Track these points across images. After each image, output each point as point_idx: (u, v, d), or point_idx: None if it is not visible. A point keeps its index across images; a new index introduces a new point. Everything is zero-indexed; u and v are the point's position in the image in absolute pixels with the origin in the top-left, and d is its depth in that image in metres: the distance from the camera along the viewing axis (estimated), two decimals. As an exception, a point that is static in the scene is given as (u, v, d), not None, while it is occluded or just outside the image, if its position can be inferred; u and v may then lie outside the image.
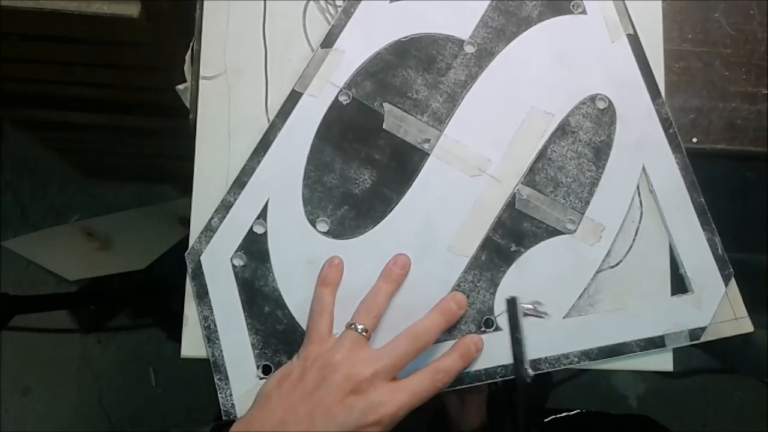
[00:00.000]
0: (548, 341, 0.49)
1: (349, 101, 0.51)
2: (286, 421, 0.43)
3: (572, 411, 0.67)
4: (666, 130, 0.51)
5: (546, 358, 0.49)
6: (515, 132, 0.51)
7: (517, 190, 0.51)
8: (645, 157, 0.51)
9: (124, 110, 0.88)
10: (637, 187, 0.51)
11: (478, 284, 0.50)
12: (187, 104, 0.52)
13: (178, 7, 0.57)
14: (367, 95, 0.51)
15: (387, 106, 0.51)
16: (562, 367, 0.49)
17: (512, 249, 0.50)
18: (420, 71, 0.52)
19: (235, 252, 0.50)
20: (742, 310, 0.51)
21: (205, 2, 0.53)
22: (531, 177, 0.51)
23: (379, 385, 0.44)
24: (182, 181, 0.56)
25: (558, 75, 0.52)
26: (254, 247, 0.50)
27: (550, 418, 0.66)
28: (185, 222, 0.51)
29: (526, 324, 0.49)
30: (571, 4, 0.53)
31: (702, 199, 0.51)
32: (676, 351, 0.50)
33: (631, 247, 0.51)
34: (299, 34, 0.53)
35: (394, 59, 0.52)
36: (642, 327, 0.50)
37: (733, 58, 0.55)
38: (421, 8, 0.52)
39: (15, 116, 0.98)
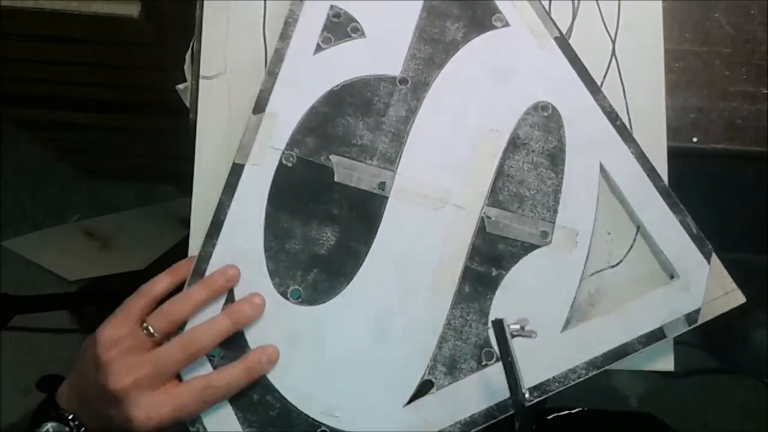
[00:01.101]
0: (552, 360, 0.48)
1: (294, 162, 0.50)
2: (83, 399, 0.46)
3: (573, 409, 0.67)
4: (613, 122, 0.51)
5: (554, 377, 0.48)
6: (468, 156, 0.51)
7: (484, 213, 0.50)
8: (600, 153, 0.51)
9: (124, 110, 0.88)
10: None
11: (468, 318, 0.49)
12: (188, 104, 0.52)
13: (178, 7, 0.57)
14: (312, 152, 0.50)
15: (334, 158, 0.50)
16: (572, 383, 0.48)
17: (493, 274, 0.50)
18: (359, 116, 0.51)
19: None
20: (730, 284, 0.50)
21: (205, 2, 0.53)
22: (494, 197, 0.51)
23: (138, 392, 0.43)
24: (182, 181, 0.56)
25: (496, 91, 0.52)
26: (227, 338, 0.47)
27: (552, 416, 0.66)
28: (185, 222, 0.51)
29: (527, 349, 0.48)
30: (493, 18, 0.52)
31: (665, 183, 0.51)
32: (676, 351, 0.50)
33: (631, 246, 0.51)
34: (299, 33, 0.53)
35: (331, 110, 0.51)
36: (639, 324, 0.49)
37: (733, 58, 0.55)
38: (345, 54, 0.52)
39: (15, 116, 0.98)
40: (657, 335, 0.49)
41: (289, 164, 0.50)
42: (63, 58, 0.72)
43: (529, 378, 0.47)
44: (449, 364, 0.49)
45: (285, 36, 0.51)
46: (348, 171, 0.50)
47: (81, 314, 1.33)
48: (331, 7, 0.52)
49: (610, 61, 0.53)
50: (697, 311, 0.49)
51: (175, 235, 1.26)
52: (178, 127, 0.55)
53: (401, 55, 0.52)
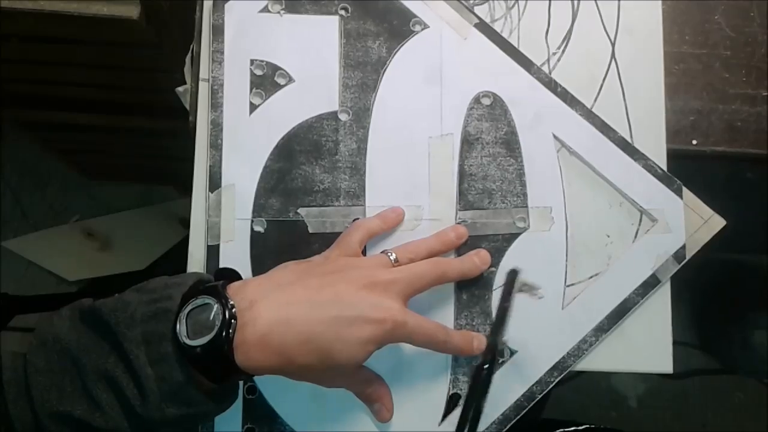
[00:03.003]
0: (561, 337, 0.50)
1: (266, 226, 0.50)
2: (295, 283, 0.42)
3: (581, 426, 0.66)
4: (554, 91, 0.52)
5: (568, 353, 0.49)
6: (427, 168, 0.51)
7: (459, 219, 0.51)
8: (550, 125, 0.52)
9: (124, 111, 0.88)
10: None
11: (474, 323, 0.50)
12: (187, 106, 0.52)
13: (178, 8, 0.57)
14: (279, 211, 0.50)
15: (302, 210, 0.50)
16: (586, 353, 0.49)
17: (485, 274, 0.50)
18: (313, 162, 0.51)
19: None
20: (707, 211, 0.51)
21: (205, 2, 0.53)
22: (464, 200, 0.51)
23: (393, 294, 0.43)
24: (182, 182, 0.56)
25: (434, 95, 0.52)
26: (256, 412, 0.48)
27: (558, 431, 0.65)
28: (185, 222, 0.51)
29: (537, 333, 0.49)
30: (411, 24, 0.52)
31: (619, 134, 0.52)
32: (676, 351, 0.50)
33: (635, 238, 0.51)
34: (299, 35, 0.53)
35: (284, 164, 0.50)
36: (631, 277, 0.50)
37: (733, 60, 0.55)
38: (280, 105, 0.51)
39: (15, 117, 0.97)
40: (651, 283, 0.50)
41: (262, 230, 0.50)
42: (63, 59, 0.72)
43: (546, 360, 0.49)
44: (469, 371, 0.49)
45: (216, 105, 0.50)
46: (319, 219, 0.50)
47: (81, 314, 1.33)
48: (251, 61, 0.51)
49: (610, 63, 0.53)
50: (683, 247, 0.51)
51: (175, 235, 1.26)
52: (178, 128, 0.55)
53: (334, 88, 0.51)
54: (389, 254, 0.46)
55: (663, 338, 0.50)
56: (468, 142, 0.51)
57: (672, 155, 0.53)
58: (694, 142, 0.54)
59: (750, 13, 0.55)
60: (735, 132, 0.54)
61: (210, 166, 0.50)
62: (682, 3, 0.55)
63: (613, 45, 0.54)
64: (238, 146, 0.50)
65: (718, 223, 0.51)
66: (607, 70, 0.53)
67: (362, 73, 0.52)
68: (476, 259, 0.49)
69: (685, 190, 0.51)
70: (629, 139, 0.52)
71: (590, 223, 0.51)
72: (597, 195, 0.52)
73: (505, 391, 0.49)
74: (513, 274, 0.48)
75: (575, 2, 0.54)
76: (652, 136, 0.53)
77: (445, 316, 0.50)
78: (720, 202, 0.52)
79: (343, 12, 0.52)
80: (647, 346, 0.50)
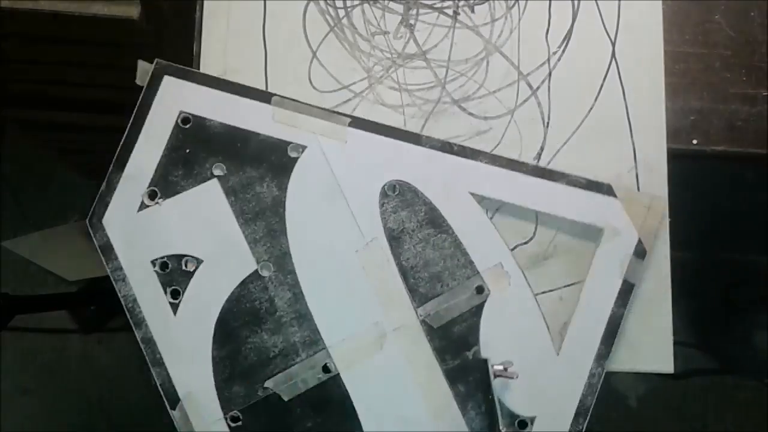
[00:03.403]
0: (571, 382, 0.49)
1: (242, 417, 0.49)
2: None
3: None
4: (451, 152, 0.51)
5: (583, 394, 0.49)
6: (367, 281, 0.50)
7: (421, 316, 0.50)
8: (462, 186, 0.51)
9: (124, 111, 0.88)
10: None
11: (481, 410, 0.49)
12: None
13: (178, 7, 0.57)
14: (246, 396, 0.49)
15: (269, 383, 0.49)
16: (599, 385, 0.49)
17: (470, 357, 0.49)
18: (257, 330, 0.49)
19: None
20: (645, 197, 0.51)
21: (205, 2, 0.53)
22: (417, 296, 0.50)
23: None
24: (182, 182, 0.55)
25: (342, 209, 0.50)
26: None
27: None
28: (185, 223, 0.51)
29: (550, 386, 0.49)
30: (289, 152, 0.51)
31: (528, 164, 0.51)
32: (676, 352, 0.50)
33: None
34: (299, 34, 0.53)
35: (230, 347, 0.49)
36: (604, 294, 0.50)
37: (733, 60, 0.55)
38: (199, 290, 0.49)
39: (15, 117, 0.97)
40: (627, 289, 0.50)
41: (240, 422, 0.49)
42: (63, 59, 0.72)
43: (566, 412, 0.48)
44: None
45: (138, 322, 0.49)
46: (289, 383, 0.49)
47: (81, 314, 1.33)
48: (153, 263, 0.49)
49: (610, 63, 0.53)
50: (640, 242, 0.50)
51: (175, 235, 1.26)
52: (177, 128, 0.55)
53: (244, 248, 0.50)
54: None
55: (663, 338, 0.50)
56: (395, 238, 0.50)
57: (672, 155, 0.53)
58: (695, 142, 0.54)
59: (750, 12, 0.55)
60: (735, 132, 0.54)
61: (160, 384, 0.48)
62: (682, 3, 0.55)
63: (613, 45, 0.54)
64: (178, 353, 0.49)
65: (661, 203, 0.50)
66: (607, 70, 0.53)
67: (264, 221, 0.50)
68: None
69: (615, 186, 0.50)
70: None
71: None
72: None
73: None
74: (483, 366, 0.47)
75: (575, 2, 0.54)
76: (652, 136, 0.53)
77: (454, 421, 0.49)
78: (720, 202, 0.52)
79: (218, 171, 0.50)
80: (647, 346, 0.50)
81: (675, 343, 0.50)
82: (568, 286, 0.51)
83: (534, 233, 0.52)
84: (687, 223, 0.53)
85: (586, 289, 0.50)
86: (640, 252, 0.50)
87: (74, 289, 1.31)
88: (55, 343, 1.33)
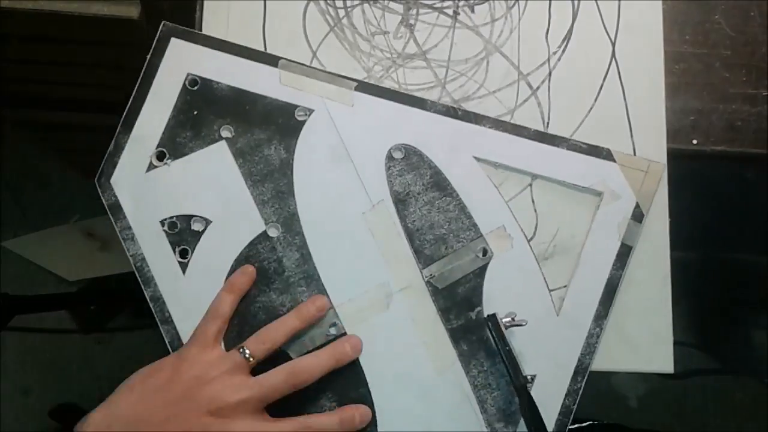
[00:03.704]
0: (570, 342, 0.50)
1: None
2: (142, 420, 0.42)
3: (584, 423, 0.65)
4: (456, 116, 0.52)
5: (582, 354, 0.49)
6: (374, 242, 0.50)
7: (426, 277, 0.50)
8: (467, 150, 0.51)
9: (123, 111, 0.88)
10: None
11: (485, 368, 0.49)
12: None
13: (178, 7, 0.57)
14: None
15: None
16: (598, 345, 0.50)
17: (473, 317, 0.50)
18: (266, 289, 0.50)
19: None
20: (643, 162, 0.51)
21: (205, 2, 0.53)
22: (423, 257, 0.50)
23: (241, 414, 0.43)
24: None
25: (349, 171, 0.51)
26: None
27: None
28: (185, 223, 0.51)
29: (549, 347, 0.49)
30: (296, 115, 0.51)
31: (530, 129, 0.52)
32: (676, 352, 0.50)
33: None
34: (299, 34, 0.53)
35: (239, 307, 0.49)
36: (603, 256, 0.50)
37: (733, 60, 0.55)
38: (207, 252, 0.50)
39: (15, 117, 0.98)
40: (624, 252, 0.50)
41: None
42: (63, 59, 0.73)
43: (565, 370, 0.49)
44: (502, 416, 0.49)
45: (147, 280, 0.50)
46: (298, 341, 0.49)
47: (81, 314, 1.33)
48: (162, 222, 0.50)
49: (610, 63, 0.53)
50: (638, 206, 0.51)
51: (175, 235, 1.26)
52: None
53: (253, 209, 0.50)
54: (242, 351, 0.45)
55: (663, 338, 0.51)
56: (401, 201, 0.51)
57: (672, 155, 0.53)
58: (695, 141, 0.54)
59: (750, 12, 0.56)
60: (735, 132, 0.54)
61: (169, 342, 0.49)
62: (682, 3, 0.55)
63: (613, 45, 0.54)
64: (187, 312, 0.49)
65: (659, 168, 0.51)
66: (607, 70, 0.54)
67: (272, 183, 0.50)
68: (347, 346, 0.48)
69: (614, 150, 0.51)
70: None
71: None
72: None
73: (543, 417, 0.47)
74: (493, 319, 0.48)
75: (575, 2, 0.54)
76: (652, 136, 0.53)
77: (456, 378, 0.49)
78: (720, 202, 0.52)
79: (226, 133, 0.51)
80: (647, 346, 0.51)
81: (675, 343, 0.50)
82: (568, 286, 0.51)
83: (534, 233, 0.52)
84: (687, 223, 0.53)
85: (585, 252, 0.51)
86: (638, 215, 0.51)
87: (74, 289, 1.31)
88: (55, 343, 1.33)
